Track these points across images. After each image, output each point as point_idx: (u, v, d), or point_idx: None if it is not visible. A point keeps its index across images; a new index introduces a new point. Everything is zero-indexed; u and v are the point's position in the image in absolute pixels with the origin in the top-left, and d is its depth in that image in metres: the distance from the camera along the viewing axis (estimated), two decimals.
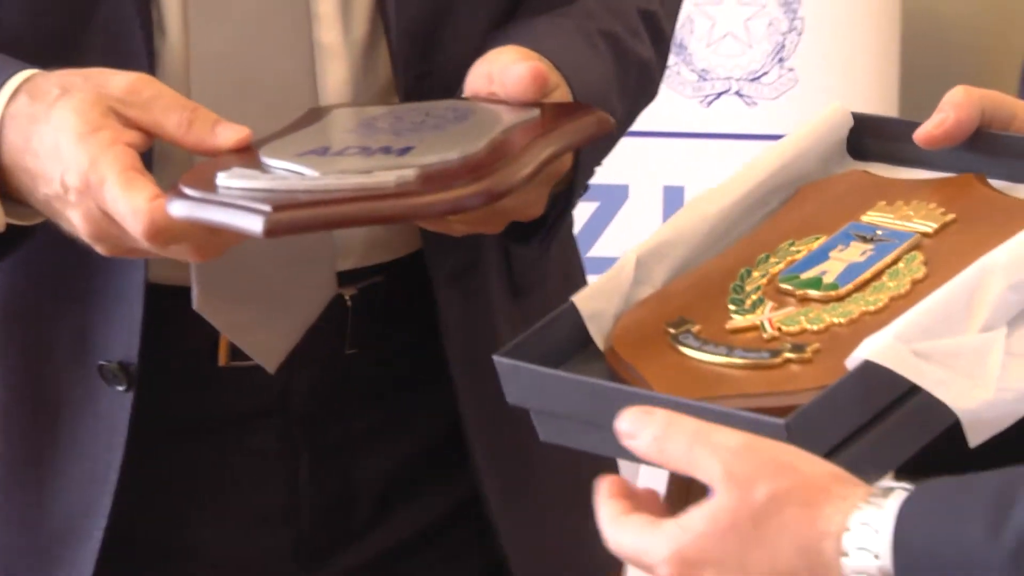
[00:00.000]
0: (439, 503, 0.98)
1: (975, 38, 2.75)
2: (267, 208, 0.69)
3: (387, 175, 0.72)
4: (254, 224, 0.68)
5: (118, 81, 0.78)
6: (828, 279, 0.72)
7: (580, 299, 0.73)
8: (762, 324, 0.70)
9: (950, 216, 0.75)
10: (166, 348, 0.89)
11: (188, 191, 0.72)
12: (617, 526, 0.63)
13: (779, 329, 0.69)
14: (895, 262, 0.73)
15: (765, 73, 2.05)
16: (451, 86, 0.87)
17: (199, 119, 0.78)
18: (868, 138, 0.83)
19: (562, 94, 0.84)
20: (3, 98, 0.78)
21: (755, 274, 0.76)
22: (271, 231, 0.68)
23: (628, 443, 0.62)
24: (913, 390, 0.63)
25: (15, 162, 0.78)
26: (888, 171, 0.81)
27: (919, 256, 0.73)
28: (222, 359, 0.89)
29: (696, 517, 0.60)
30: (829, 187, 0.81)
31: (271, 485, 0.94)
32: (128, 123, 0.77)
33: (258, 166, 0.76)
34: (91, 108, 0.76)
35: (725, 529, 0.59)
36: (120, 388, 0.88)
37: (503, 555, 0.96)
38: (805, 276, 0.73)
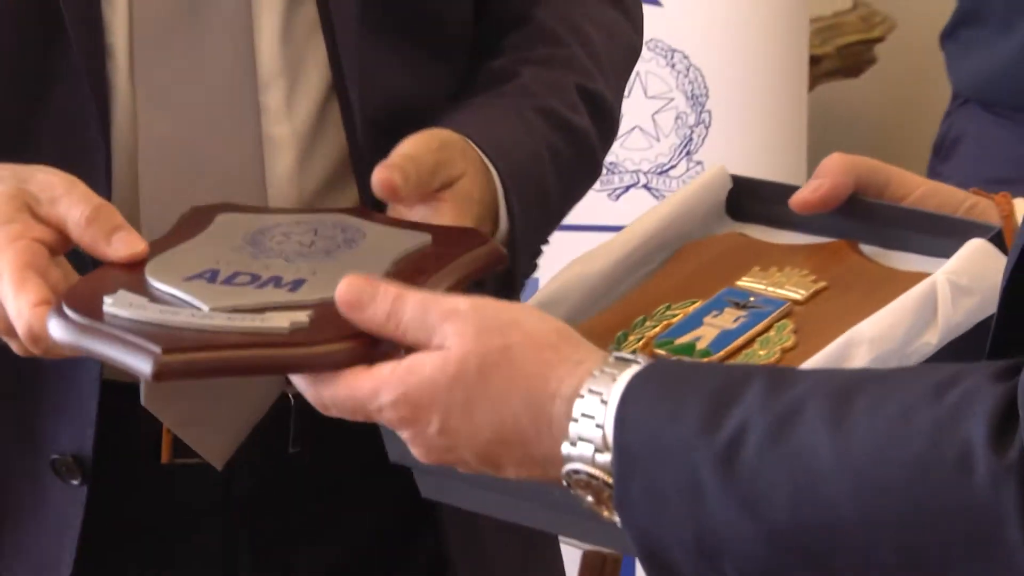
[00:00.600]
0: None
1: (880, 131, 2.86)
2: (156, 349, 0.66)
3: (281, 319, 0.69)
4: (143, 365, 0.66)
5: (40, 177, 0.79)
6: (701, 345, 0.74)
7: None
8: None
9: (821, 283, 0.77)
10: (116, 444, 0.90)
11: (71, 314, 0.70)
12: (324, 383, 0.65)
13: None
14: (766, 330, 0.75)
15: (673, 166, 2.08)
16: None
17: (100, 219, 0.77)
18: (747, 200, 0.86)
19: (469, 182, 0.84)
20: None
21: (631, 337, 0.77)
22: (159, 375, 0.66)
23: (354, 315, 0.64)
24: None
25: None
26: (764, 233, 0.84)
27: (789, 324, 0.75)
28: (164, 456, 0.90)
29: (424, 361, 0.62)
30: (707, 248, 0.83)
31: None
32: (40, 219, 0.77)
33: (145, 290, 0.73)
34: (7, 202, 0.77)
35: (452, 376, 0.61)
36: (74, 482, 0.89)
37: None
38: (680, 342, 0.75)
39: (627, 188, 2.10)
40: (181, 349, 0.67)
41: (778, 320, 0.75)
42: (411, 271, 0.75)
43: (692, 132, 2.06)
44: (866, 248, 0.81)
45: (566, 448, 0.60)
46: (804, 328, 0.74)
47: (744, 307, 0.76)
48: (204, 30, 0.87)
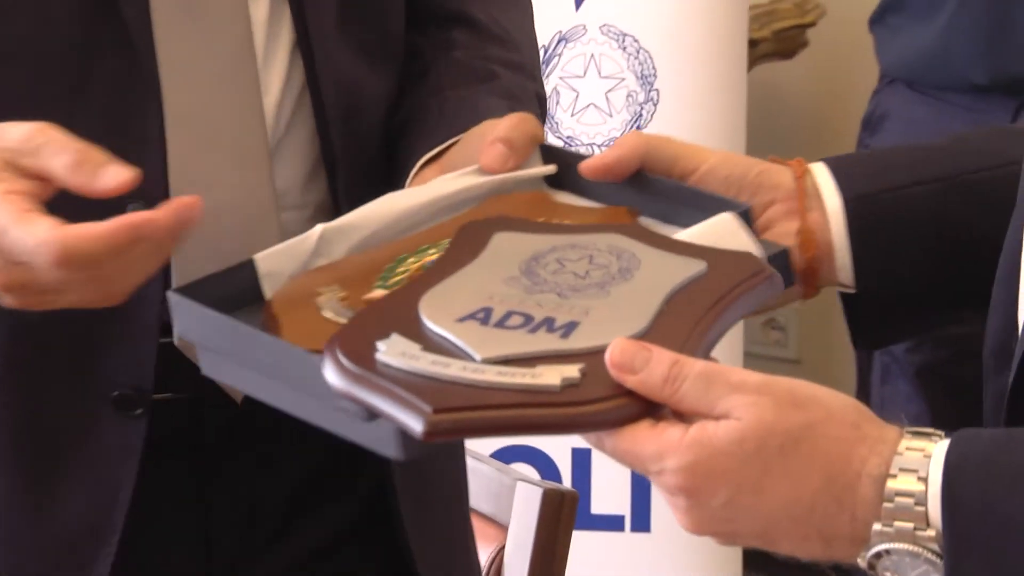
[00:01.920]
0: (344, 512, 1.01)
1: (813, 107, 2.89)
2: (427, 408, 0.62)
3: (552, 375, 0.63)
4: (414, 423, 0.63)
5: (14, 132, 0.76)
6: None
7: (261, 257, 0.78)
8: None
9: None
10: (165, 377, 0.91)
11: (345, 362, 0.67)
12: (605, 432, 0.59)
13: None
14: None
15: None
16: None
17: (87, 161, 0.74)
18: (562, 168, 0.86)
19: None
20: None
21: (410, 260, 0.79)
22: (430, 435, 0.62)
23: (626, 378, 0.58)
24: None
25: None
26: (566, 198, 0.86)
27: None
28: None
29: (720, 432, 0.56)
30: (507, 201, 0.84)
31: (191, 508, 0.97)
32: (23, 172, 0.75)
33: (418, 331, 0.69)
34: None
35: (751, 451, 0.55)
36: (137, 412, 0.90)
37: (409, 553, 0.98)
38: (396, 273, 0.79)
39: None
40: (451, 409, 0.63)
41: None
42: (687, 308, 0.68)
43: (642, 109, 2.11)
44: (644, 219, 0.81)
45: (877, 527, 0.55)
46: None
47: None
48: (210, 20, 0.89)
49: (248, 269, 0.78)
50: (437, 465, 1.03)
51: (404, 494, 0.97)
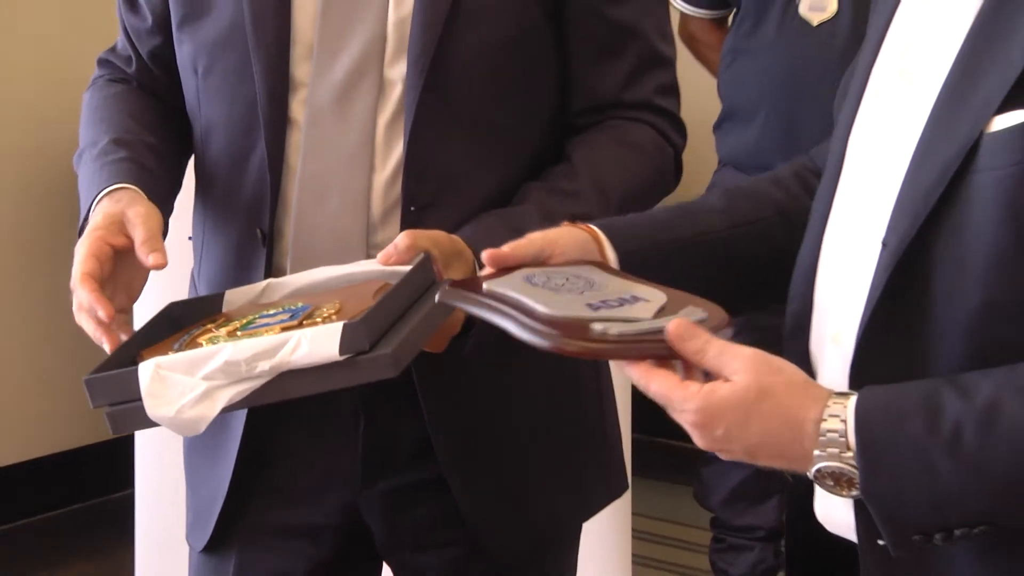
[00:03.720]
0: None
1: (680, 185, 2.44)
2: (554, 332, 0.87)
3: (656, 322, 0.90)
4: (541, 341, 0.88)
5: (135, 208, 1.22)
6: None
7: (229, 292, 1.21)
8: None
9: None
10: None
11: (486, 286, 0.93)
12: (650, 376, 0.88)
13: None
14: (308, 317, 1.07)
15: None
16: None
17: (148, 241, 1.17)
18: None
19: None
20: (104, 192, 1.25)
21: (280, 315, 1.10)
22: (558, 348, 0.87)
23: (678, 344, 0.88)
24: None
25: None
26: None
27: (328, 310, 1.07)
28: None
29: (722, 389, 0.86)
30: (366, 285, 1.11)
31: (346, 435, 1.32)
32: (121, 230, 1.20)
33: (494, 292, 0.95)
34: (109, 217, 1.20)
35: (739, 401, 0.85)
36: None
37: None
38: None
39: None
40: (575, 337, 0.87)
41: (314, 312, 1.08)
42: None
43: None
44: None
45: (817, 452, 0.85)
46: (345, 306, 1.06)
47: (292, 314, 1.08)
48: (349, 115, 1.28)
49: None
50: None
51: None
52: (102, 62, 1.49)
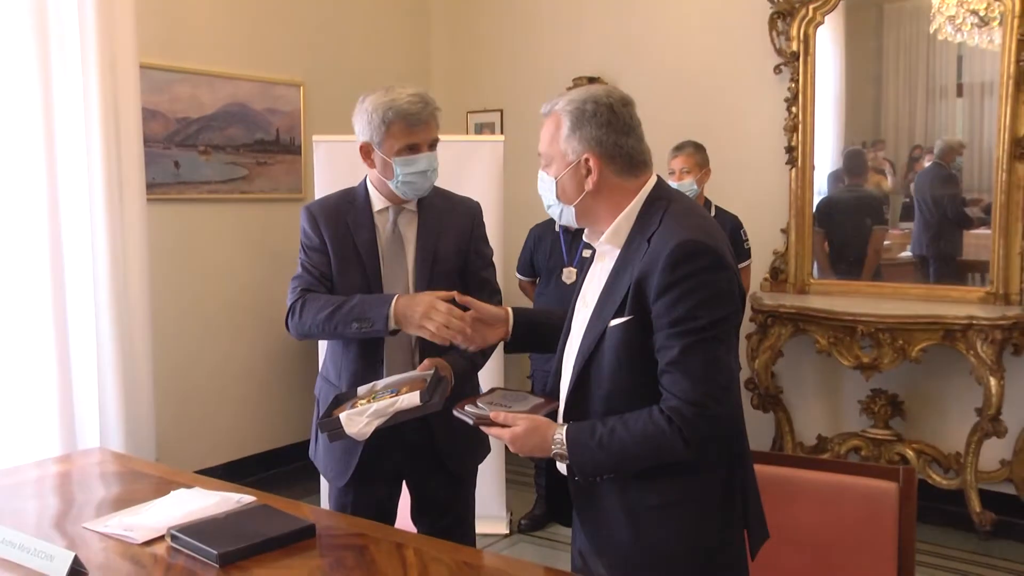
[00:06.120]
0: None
1: None
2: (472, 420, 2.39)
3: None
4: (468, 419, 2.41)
5: (442, 302, 2.79)
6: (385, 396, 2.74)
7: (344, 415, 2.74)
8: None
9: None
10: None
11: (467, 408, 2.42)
12: (494, 429, 2.39)
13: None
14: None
15: None
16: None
17: (446, 327, 2.77)
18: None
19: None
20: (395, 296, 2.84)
21: (379, 392, 2.79)
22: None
23: (501, 433, 2.39)
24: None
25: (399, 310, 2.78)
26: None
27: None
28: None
29: (519, 421, 2.35)
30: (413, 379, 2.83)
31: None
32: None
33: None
34: (435, 296, 2.82)
35: (528, 429, 2.34)
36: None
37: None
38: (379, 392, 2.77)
39: None
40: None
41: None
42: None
43: None
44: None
45: (553, 448, 2.29)
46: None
47: (393, 391, 2.76)
48: (396, 263, 3.05)
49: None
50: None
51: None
52: (298, 290, 3.03)
